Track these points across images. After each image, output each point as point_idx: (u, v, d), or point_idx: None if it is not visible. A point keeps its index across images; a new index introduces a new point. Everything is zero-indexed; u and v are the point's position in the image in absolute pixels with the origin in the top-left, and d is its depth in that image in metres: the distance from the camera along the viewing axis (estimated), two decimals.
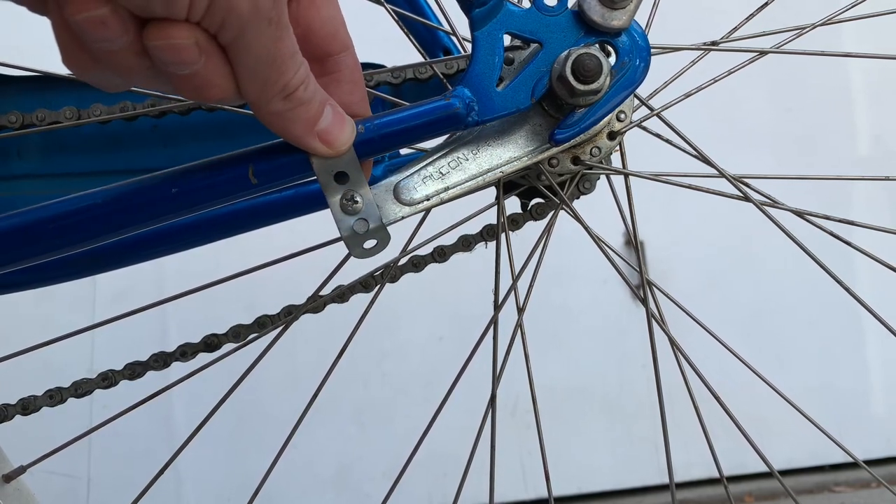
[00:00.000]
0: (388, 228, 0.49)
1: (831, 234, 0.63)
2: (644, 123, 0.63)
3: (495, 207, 0.63)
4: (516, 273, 0.63)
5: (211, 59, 0.35)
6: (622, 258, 0.70)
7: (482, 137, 0.53)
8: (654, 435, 1.60)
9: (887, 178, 0.68)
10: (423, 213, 0.58)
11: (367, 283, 0.65)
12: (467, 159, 0.52)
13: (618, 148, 0.60)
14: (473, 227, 0.64)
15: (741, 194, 0.63)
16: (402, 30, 0.65)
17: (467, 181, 0.52)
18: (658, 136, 0.64)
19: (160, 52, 0.33)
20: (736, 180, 0.63)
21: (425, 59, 0.65)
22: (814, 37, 0.66)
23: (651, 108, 0.62)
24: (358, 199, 0.47)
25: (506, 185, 0.61)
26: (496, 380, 0.64)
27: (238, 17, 0.33)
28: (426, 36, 0.67)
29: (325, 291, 0.64)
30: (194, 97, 0.37)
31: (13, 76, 0.67)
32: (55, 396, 0.63)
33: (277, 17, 0.35)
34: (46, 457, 0.64)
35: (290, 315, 0.64)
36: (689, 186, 0.64)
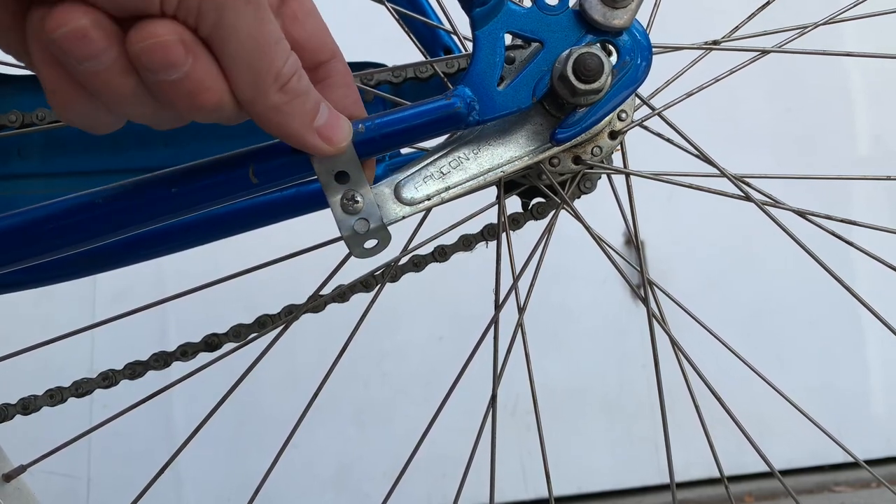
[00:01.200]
0: (389, 228, 0.49)
1: (832, 233, 0.63)
2: (645, 123, 0.62)
3: (496, 207, 0.62)
4: (517, 273, 0.63)
5: (199, 60, 0.34)
6: (623, 258, 0.70)
7: (483, 137, 0.52)
8: (654, 435, 1.60)
9: (888, 178, 0.68)
10: (423, 213, 0.58)
11: (367, 283, 0.65)
12: (468, 159, 0.52)
13: (619, 147, 0.60)
14: (474, 227, 0.64)
15: (742, 194, 0.63)
16: (403, 29, 0.64)
17: (468, 181, 0.52)
18: (659, 135, 0.64)
19: (146, 55, 0.33)
20: (737, 180, 0.63)
21: (426, 58, 0.65)
22: (815, 36, 0.66)
23: (652, 108, 0.62)
24: (358, 198, 0.47)
25: (507, 185, 0.61)
26: (496, 380, 0.64)
27: (213, 1, 0.33)
28: (427, 35, 0.67)
29: (326, 291, 0.64)
30: (188, 106, 0.36)
31: (13, 75, 0.67)
32: (55, 396, 0.63)
33: None
34: (46, 456, 0.64)
35: (290, 315, 0.64)
36: (691, 186, 0.64)
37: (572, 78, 0.48)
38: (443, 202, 0.52)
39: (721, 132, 1.56)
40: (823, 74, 1.79)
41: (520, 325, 0.64)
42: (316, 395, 0.64)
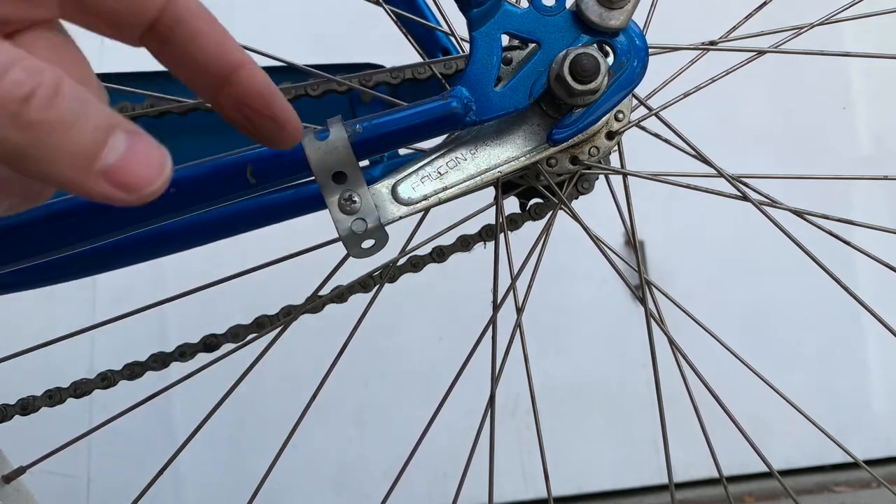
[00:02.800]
0: (387, 228, 0.49)
1: (830, 233, 0.63)
2: (642, 123, 0.63)
3: (494, 207, 0.63)
4: (515, 273, 0.63)
5: None
6: (621, 258, 0.70)
7: (480, 137, 0.53)
8: (654, 435, 1.60)
9: (885, 178, 0.68)
10: (421, 214, 0.58)
11: (365, 284, 0.65)
12: (465, 159, 0.52)
13: (616, 148, 0.60)
14: (472, 228, 0.64)
15: (739, 194, 0.63)
16: (401, 30, 0.65)
17: (465, 181, 0.52)
18: (656, 135, 0.64)
19: None
20: (734, 180, 0.63)
21: (424, 59, 0.65)
22: (813, 36, 0.66)
23: (649, 108, 0.62)
24: (356, 198, 0.47)
25: (504, 185, 0.61)
26: (495, 380, 0.64)
27: None
28: (425, 36, 0.67)
29: (324, 292, 0.64)
30: None
31: None
32: (54, 397, 0.63)
33: None
34: (46, 457, 0.64)
35: (288, 315, 0.64)
36: (688, 186, 0.64)
37: (569, 78, 0.48)
38: (440, 202, 0.52)
39: (720, 132, 1.56)
40: (824, 74, 1.79)
41: (518, 325, 0.64)
42: (315, 394, 0.64)
